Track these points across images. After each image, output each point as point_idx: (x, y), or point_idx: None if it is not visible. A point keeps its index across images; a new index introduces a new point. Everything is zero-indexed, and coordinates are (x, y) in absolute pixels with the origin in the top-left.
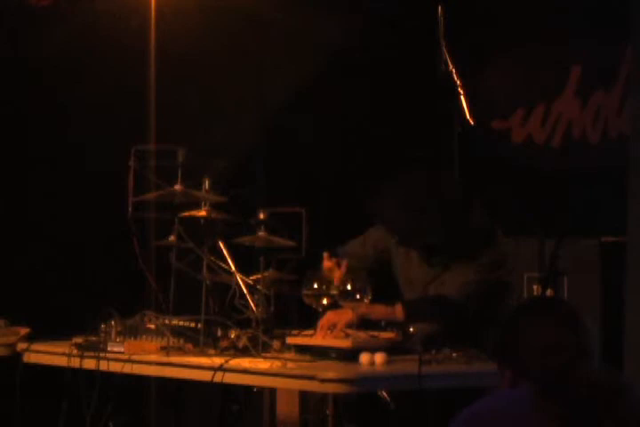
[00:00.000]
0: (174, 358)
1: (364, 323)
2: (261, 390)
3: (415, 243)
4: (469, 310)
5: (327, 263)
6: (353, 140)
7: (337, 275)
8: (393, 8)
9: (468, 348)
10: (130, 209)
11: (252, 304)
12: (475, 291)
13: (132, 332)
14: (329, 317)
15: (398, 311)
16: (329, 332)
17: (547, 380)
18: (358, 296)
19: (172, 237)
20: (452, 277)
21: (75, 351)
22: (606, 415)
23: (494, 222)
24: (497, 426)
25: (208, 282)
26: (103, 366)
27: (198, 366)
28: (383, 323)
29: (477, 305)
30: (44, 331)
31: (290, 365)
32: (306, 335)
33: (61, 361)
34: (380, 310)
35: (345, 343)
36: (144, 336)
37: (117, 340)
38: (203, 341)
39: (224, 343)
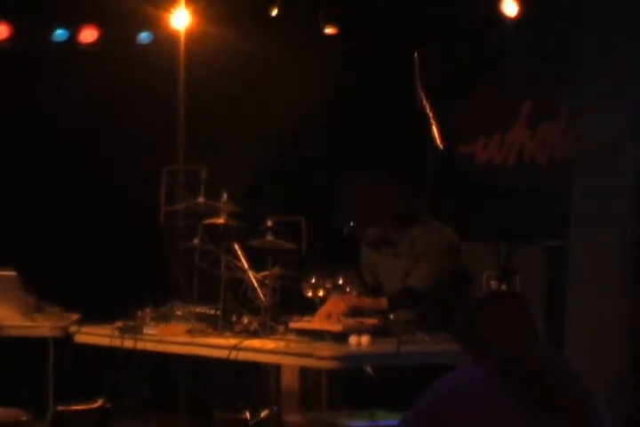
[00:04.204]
0: (198, 339)
1: (355, 312)
2: (269, 365)
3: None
4: (437, 297)
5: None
6: (344, 161)
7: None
8: (379, 56)
9: (438, 331)
10: (162, 218)
11: (261, 295)
12: (438, 280)
13: (164, 318)
14: (326, 308)
15: (383, 303)
16: (325, 319)
17: (501, 358)
18: (348, 289)
19: (196, 241)
20: (417, 270)
21: (117, 333)
22: (550, 387)
23: (441, 218)
24: (461, 398)
25: (225, 277)
26: (140, 345)
27: (217, 345)
28: (369, 312)
29: (443, 292)
30: (92, 316)
31: (292, 345)
32: (305, 321)
33: (105, 341)
34: (368, 303)
35: (337, 328)
36: (173, 321)
37: (152, 324)
38: (221, 325)
39: (238, 327)
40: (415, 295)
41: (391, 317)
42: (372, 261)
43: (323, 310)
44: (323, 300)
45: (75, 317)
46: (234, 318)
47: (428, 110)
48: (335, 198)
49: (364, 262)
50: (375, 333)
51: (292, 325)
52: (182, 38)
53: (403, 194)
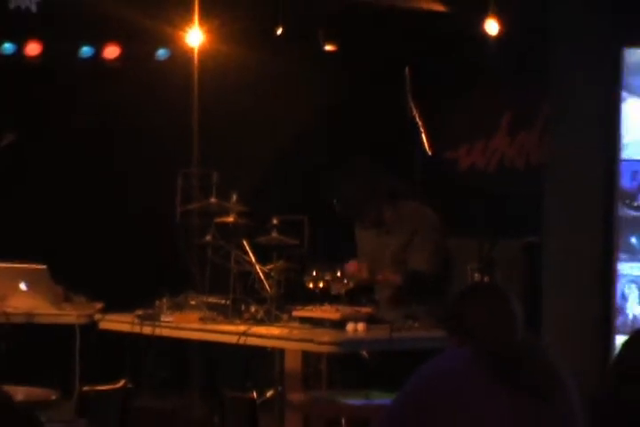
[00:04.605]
0: (210, 326)
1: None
2: (274, 350)
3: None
4: (438, 275)
5: (353, 268)
6: (343, 165)
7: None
8: (375, 70)
9: (427, 317)
10: (178, 217)
11: (267, 287)
12: (439, 258)
13: (179, 306)
14: (352, 266)
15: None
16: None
17: (484, 346)
18: (345, 281)
19: (208, 237)
20: (418, 253)
21: (136, 321)
22: (529, 371)
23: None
24: (446, 382)
25: (235, 270)
26: (158, 331)
27: (227, 332)
28: (364, 300)
29: (442, 269)
30: (114, 305)
31: (295, 331)
32: (307, 310)
33: (127, 328)
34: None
35: (335, 316)
36: (187, 310)
37: (168, 312)
38: (230, 313)
39: (246, 315)
40: (420, 280)
41: (376, 296)
42: (366, 244)
43: (350, 266)
44: (323, 290)
45: (99, 306)
46: (242, 307)
47: (418, 119)
48: (334, 187)
49: (360, 249)
50: (370, 320)
51: (295, 313)
52: (196, 55)
53: (388, 175)
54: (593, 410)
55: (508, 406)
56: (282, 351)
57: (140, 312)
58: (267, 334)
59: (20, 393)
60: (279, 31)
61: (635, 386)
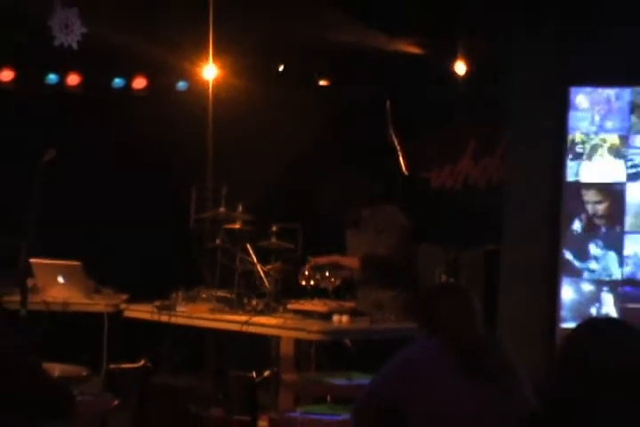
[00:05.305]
0: (218, 316)
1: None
2: (271, 337)
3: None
4: (398, 263)
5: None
6: (335, 181)
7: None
8: (362, 102)
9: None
10: (192, 223)
11: (266, 283)
12: (399, 251)
13: (192, 299)
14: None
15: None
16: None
17: (447, 336)
18: (333, 280)
19: (218, 241)
20: (384, 241)
21: (156, 310)
22: (486, 359)
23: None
24: (417, 367)
25: (239, 270)
26: (173, 320)
27: (232, 321)
28: (348, 296)
29: (402, 258)
30: (138, 297)
31: (289, 322)
32: (300, 303)
33: (147, 316)
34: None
35: (323, 309)
36: (199, 302)
37: (183, 304)
38: (235, 305)
39: (248, 307)
40: (379, 260)
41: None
42: (350, 244)
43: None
44: (314, 287)
45: (124, 297)
46: (245, 301)
47: (397, 145)
48: (323, 193)
49: (347, 248)
50: (353, 313)
51: (290, 306)
52: (211, 87)
53: (368, 182)
54: (538, 398)
55: (470, 395)
56: (278, 338)
57: (158, 303)
58: (265, 323)
59: (56, 370)
60: (281, 68)
61: (579, 372)
